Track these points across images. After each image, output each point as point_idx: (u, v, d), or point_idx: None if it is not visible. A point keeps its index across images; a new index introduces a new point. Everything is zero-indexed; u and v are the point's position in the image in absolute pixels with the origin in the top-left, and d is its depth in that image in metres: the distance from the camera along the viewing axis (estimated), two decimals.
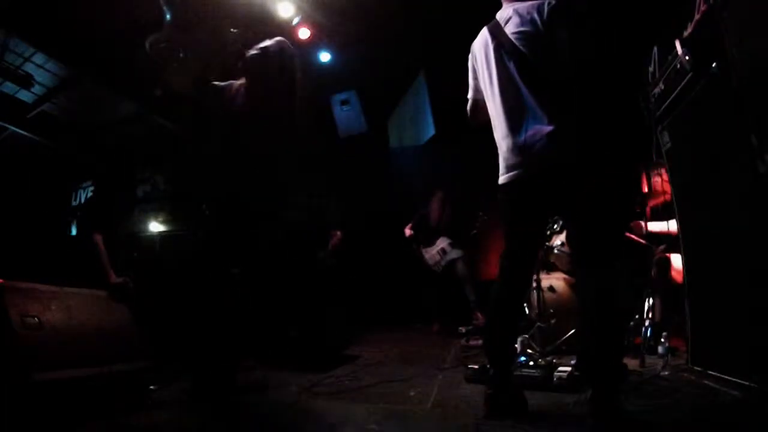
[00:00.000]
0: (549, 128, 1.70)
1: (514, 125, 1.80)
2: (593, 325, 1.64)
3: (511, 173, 1.81)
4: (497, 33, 1.87)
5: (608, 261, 1.68)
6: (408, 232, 4.95)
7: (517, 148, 1.78)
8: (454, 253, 4.78)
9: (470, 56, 2.05)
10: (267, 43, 2.34)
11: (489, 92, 1.93)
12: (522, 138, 1.76)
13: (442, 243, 4.83)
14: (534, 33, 1.77)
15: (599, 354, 1.62)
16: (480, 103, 2.03)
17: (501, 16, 1.91)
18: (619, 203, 1.82)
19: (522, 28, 1.79)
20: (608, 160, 1.81)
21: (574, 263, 2.32)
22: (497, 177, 1.89)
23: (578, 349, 2.00)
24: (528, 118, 1.76)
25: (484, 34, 1.95)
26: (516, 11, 1.83)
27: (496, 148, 1.93)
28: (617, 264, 1.73)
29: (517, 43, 1.79)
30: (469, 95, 2.10)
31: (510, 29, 1.83)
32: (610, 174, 1.83)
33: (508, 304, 1.89)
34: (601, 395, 1.57)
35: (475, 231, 4.66)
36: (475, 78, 2.04)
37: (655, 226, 3.22)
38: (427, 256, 4.88)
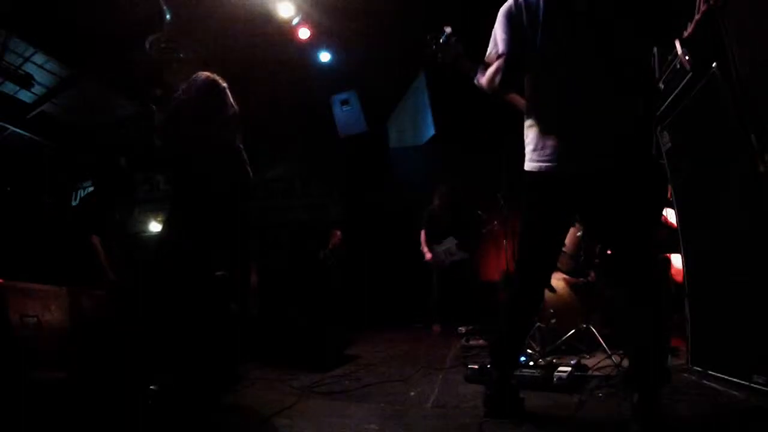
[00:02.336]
0: (618, 125, 1.56)
1: (581, 107, 1.58)
2: (647, 331, 1.60)
3: (555, 164, 1.61)
4: None
5: (652, 269, 1.65)
6: (428, 256, 4.83)
7: (575, 136, 1.59)
8: (459, 255, 4.77)
9: (514, 6, 1.68)
10: (197, 81, 2.30)
11: (549, 58, 1.63)
12: (586, 126, 1.57)
13: (450, 243, 4.81)
14: (613, 10, 1.56)
15: (654, 357, 1.60)
16: (522, 62, 1.67)
17: None
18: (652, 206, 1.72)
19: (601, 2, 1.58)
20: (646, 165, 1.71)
21: (611, 270, 2.22)
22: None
23: (629, 355, 1.90)
24: (599, 106, 1.57)
25: None
26: None
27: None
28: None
29: (598, 15, 1.56)
30: (504, 49, 1.66)
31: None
32: (647, 178, 1.72)
33: (524, 310, 1.84)
34: (648, 399, 1.55)
35: (485, 230, 4.67)
36: (520, 31, 1.65)
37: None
38: (433, 253, 4.85)
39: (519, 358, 1.94)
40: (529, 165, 1.71)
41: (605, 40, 1.57)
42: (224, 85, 2.31)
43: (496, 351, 1.90)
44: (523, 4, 1.66)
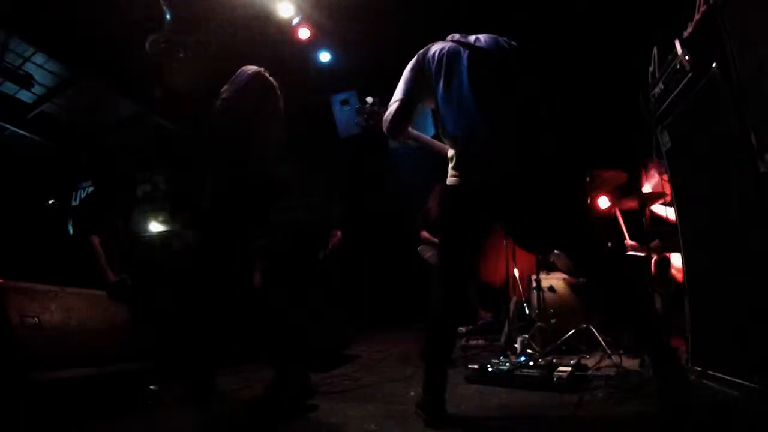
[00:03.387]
0: (516, 137, 1.79)
1: (483, 129, 1.82)
2: (631, 311, 1.79)
3: (471, 176, 1.85)
4: (468, 43, 1.97)
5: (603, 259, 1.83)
6: (427, 254, 4.83)
7: (482, 151, 1.82)
8: None
9: (422, 60, 2.00)
10: (243, 77, 2.27)
11: (454, 94, 1.91)
12: (489, 143, 1.80)
13: None
14: (500, 53, 1.94)
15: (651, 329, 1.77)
16: (416, 108, 2.02)
17: (462, 36, 2.02)
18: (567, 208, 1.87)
19: (492, 46, 1.96)
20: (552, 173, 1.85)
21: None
22: None
23: (643, 345, 2.07)
24: (497, 125, 1.81)
25: (448, 44, 2.00)
26: (480, 37, 2.00)
27: None
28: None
29: (489, 53, 1.93)
30: (402, 98, 1.97)
31: (482, 44, 1.97)
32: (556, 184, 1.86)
33: (450, 315, 1.91)
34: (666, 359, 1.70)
35: None
36: (421, 81, 1.98)
37: (657, 209, 3.22)
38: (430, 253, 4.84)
39: (450, 357, 2.01)
40: (448, 180, 1.93)
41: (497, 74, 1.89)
42: (272, 79, 2.30)
43: (430, 357, 1.88)
44: (431, 53, 1.99)
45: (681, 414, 1.52)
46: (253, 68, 2.32)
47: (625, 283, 1.80)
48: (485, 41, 1.98)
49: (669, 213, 2.93)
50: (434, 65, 1.95)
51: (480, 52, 1.94)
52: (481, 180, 1.82)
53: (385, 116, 1.99)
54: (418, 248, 4.85)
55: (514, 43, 2.00)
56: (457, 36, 2.04)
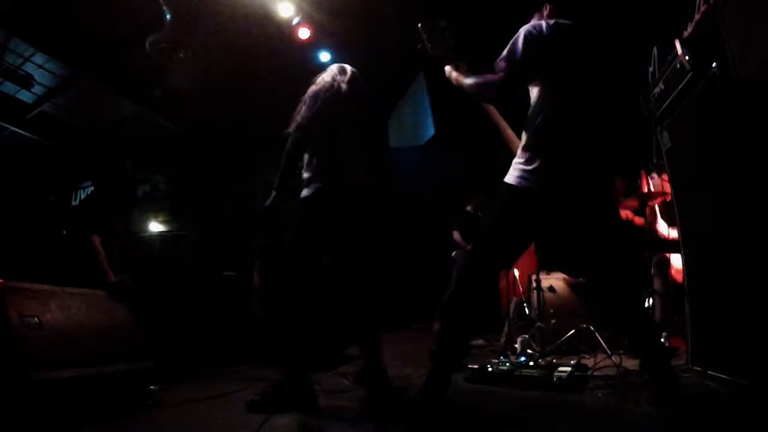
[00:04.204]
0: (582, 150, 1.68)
1: (578, 133, 1.68)
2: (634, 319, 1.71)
3: (534, 180, 1.66)
4: (584, 31, 1.76)
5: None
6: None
7: (567, 157, 1.66)
8: None
9: (543, 31, 1.71)
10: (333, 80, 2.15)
11: (563, 81, 1.71)
12: (577, 151, 1.66)
13: None
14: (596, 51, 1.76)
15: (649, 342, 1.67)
16: (523, 82, 1.76)
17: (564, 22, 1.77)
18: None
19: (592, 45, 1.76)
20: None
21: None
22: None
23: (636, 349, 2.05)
24: (589, 133, 1.69)
25: (569, 26, 1.75)
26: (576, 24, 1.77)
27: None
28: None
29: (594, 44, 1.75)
30: (512, 72, 1.71)
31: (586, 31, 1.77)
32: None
33: (474, 311, 1.83)
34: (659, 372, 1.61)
35: None
36: (538, 54, 1.70)
37: (662, 228, 3.22)
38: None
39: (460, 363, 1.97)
40: (513, 180, 1.71)
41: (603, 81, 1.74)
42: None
43: (441, 359, 1.81)
44: (555, 28, 1.72)
45: (681, 414, 1.52)
46: (339, 66, 2.21)
47: (626, 283, 1.75)
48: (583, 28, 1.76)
49: (671, 233, 2.93)
50: (556, 45, 1.69)
51: (597, 48, 1.76)
52: (554, 186, 1.64)
53: (484, 86, 1.79)
54: (453, 254, 4.79)
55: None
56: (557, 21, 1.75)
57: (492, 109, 2.00)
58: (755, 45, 1.70)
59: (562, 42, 1.71)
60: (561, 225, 1.76)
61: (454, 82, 1.92)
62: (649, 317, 1.82)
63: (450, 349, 1.79)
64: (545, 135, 1.69)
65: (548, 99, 1.71)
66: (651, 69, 2.50)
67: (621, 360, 2.46)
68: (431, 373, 1.74)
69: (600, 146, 1.71)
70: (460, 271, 1.88)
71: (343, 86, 2.13)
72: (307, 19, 4.65)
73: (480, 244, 1.84)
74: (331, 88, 2.13)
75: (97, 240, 2.99)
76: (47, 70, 5.09)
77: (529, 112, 1.77)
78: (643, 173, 3.35)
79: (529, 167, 1.67)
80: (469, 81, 1.84)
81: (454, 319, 1.83)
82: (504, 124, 2.02)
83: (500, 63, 1.74)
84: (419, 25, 1.96)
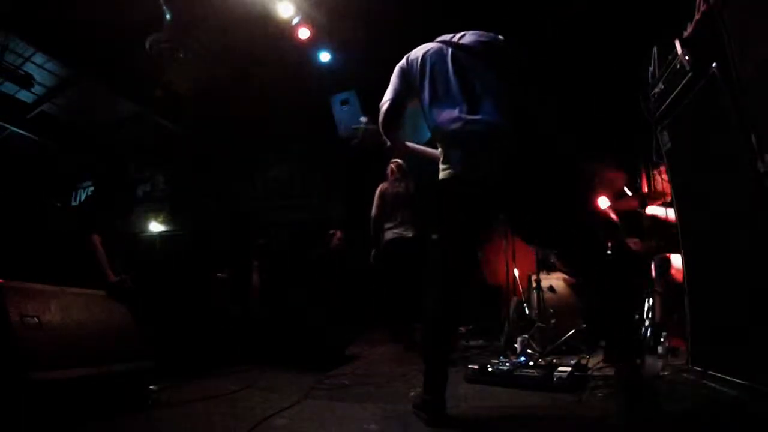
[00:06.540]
0: (505, 124, 1.78)
1: (471, 124, 1.81)
2: (606, 312, 1.76)
3: (461, 170, 1.82)
4: (452, 42, 1.99)
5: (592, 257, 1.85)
6: None
7: (470, 146, 1.81)
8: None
9: (405, 63, 2.05)
10: None
11: (440, 92, 1.93)
12: (476, 138, 1.79)
13: None
14: (484, 47, 1.95)
15: (620, 334, 1.72)
16: (405, 106, 2.05)
17: (447, 36, 2.04)
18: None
19: (481, 39, 1.97)
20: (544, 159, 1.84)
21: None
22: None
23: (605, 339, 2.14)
24: (483, 119, 1.80)
25: (433, 45, 2.02)
26: (465, 33, 2.01)
27: None
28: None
29: (473, 49, 1.95)
30: (391, 97, 2.03)
31: (466, 41, 1.98)
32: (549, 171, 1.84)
33: (450, 303, 1.87)
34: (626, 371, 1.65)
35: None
36: (406, 82, 2.03)
37: (655, 210, 3.22)
38: None
39: (450, 357, 2.06)
40: (440, 175, 1.90)
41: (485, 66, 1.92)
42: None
43: (430, 357, 1.88)
44: (410, 60, 2.04)
45: (681, 414, 1.52)
46: None
47: (611, 284, 1.77)
48: (468, 38, 1.99)
49: (669, 213, 2.93)
50: (418, 67, 2.00)
51: (463, 49, 1.95)
52: (471, 174, 1.80)
53: (380, 118, 2.05)
54: None
55: (500, 37, 2.01)
56: (442, 36, 2.06)
57: (400, 145, 2.20)
58: (755, 45, 1.70)
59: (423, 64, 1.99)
60: (500, 207, 1.89)
61: (400, 148, 2.22)
62: (622, 309, 1.83)
63: (435, 348, 1.88)
64: (443, 135, 1.91)
65: (428, 111, 1.96)
66: (651, 69, 2.50)
67: None
68: (425, 372, 1.83)
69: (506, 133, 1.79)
70: (427, 278, 1.91)
71: None
72: (307, 19, 4.65)
73: (435, 246, 1.91)
74: None
75: (97, 240, 2.99)
76: (47, 70, 5.09)
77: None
78: (643, 173, 3.35)
79: (444, 161, 1.90)
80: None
81: (435, 320, 1.88)
82: (420, 149, 2.26)
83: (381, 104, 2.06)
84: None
